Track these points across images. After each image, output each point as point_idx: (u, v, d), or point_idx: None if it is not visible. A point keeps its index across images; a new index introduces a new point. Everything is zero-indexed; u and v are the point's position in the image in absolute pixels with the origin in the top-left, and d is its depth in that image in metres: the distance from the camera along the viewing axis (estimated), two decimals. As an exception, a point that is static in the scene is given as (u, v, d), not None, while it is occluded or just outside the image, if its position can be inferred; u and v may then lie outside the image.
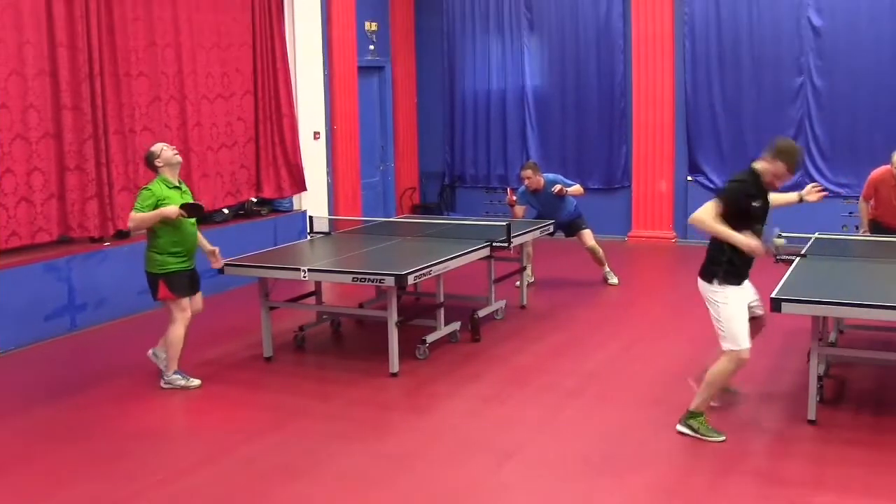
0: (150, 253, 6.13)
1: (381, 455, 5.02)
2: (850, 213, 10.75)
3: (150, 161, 6.19)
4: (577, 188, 9.04)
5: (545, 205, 8.98)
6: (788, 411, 5.49)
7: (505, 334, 7.46)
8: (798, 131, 10.89)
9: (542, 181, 8.87)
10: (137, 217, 5.99)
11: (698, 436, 5.07)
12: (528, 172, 8.89)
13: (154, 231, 6.07)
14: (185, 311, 6.18)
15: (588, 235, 9.13)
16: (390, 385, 6.23)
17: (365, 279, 6.30)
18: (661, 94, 11.49)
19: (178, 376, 6.21)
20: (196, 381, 6.24)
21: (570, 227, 9.15)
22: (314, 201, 10.77)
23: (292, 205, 10.65)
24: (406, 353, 6.55)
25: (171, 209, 5.96)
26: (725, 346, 5.00)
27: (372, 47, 12.20)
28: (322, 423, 5.53)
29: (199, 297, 6.38)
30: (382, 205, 12.66)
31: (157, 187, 6.05)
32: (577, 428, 5.41)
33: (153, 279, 6.13)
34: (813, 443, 5.06)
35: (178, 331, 6.16)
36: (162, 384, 6.20)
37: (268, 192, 10.12)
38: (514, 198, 9.01)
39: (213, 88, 9.44)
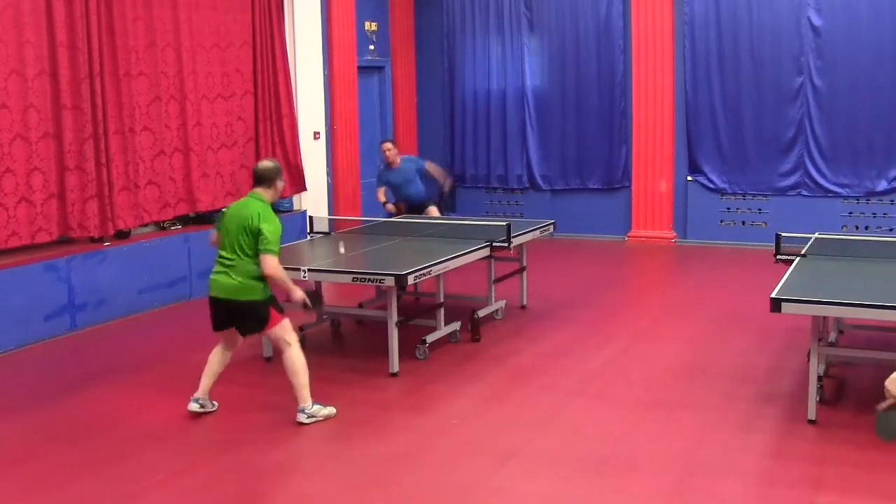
0: (247, 281, 5.31)
1: (381, 455, 5.02)
2: (850, 213, 10.78)
3: (269, 177, 5.43)
4: (440, 176, 9.86)
5: (399, 182, 9.41)
6: (788, 411, 5.49)
7: (505, 334, 7.46)
8: (798, 131, 10.90)
9: (398, 159, 9.42)
10: (280, 272, 5.31)
11: None
12: (390, 145, 9.49)
13: (251, 257, 5.31)
14: (292, 330, 5.51)
15: (434, 210, 9.46)
16: (390, 385, 6.23)
17: (365, 279, 6.30)
18: (661, 94, 11.49)
19: (320, 406, 5.52)
20: (332, 409, 5.57)
21: (420, 207, 9.49)
22: (314, 201, 10.77)
23: (292, 205, 10.65)
24: (406, 353, 6.55)
25: (300, 295, 5.44)
26: None
27: (372, 47, 12.20)
28: (322, 423, 5.52)
29: None
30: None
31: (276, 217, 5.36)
32: (576, 428, 5.41)
33: (262, 308, 5.39)
34: (813, 443, 5.07)
35: (298, 354, 5.45)
36: (303, 419, 5.43)
37: (268, 192, 10.10)
38: (384, 198, 9.48)
39: (213, 88, 9.44)
